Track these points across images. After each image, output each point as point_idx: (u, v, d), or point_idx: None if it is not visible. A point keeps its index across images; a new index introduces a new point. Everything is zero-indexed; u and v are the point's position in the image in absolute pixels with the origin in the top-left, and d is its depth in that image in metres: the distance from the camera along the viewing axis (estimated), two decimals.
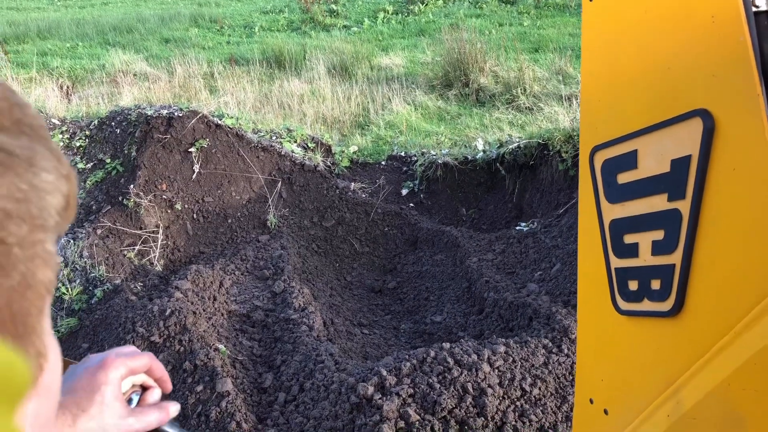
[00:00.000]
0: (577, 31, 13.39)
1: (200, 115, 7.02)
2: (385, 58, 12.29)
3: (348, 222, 6.97)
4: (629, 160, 1.38)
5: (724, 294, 1.18)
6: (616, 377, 1.57)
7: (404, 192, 7.60)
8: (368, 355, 5.17)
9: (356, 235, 6.93)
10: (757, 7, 1.02)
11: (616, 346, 1.56)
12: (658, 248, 1.34)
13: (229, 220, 6.73)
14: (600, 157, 1.47)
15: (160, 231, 6.41)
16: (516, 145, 7.08)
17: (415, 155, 7.91)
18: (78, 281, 5.65)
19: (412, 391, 3.87)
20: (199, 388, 4.28)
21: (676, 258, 1.28)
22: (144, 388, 1.18)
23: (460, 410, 3.72)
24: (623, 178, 1.41)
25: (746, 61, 0.99)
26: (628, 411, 1.50)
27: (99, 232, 6.25)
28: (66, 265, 5.75)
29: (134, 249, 6.24)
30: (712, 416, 1.23)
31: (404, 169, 7.88)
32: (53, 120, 7.71)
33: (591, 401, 1.65)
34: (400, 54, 12.50)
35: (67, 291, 5.52)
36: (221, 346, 4.60)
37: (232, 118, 7.43)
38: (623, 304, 1.48)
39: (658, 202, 1.31)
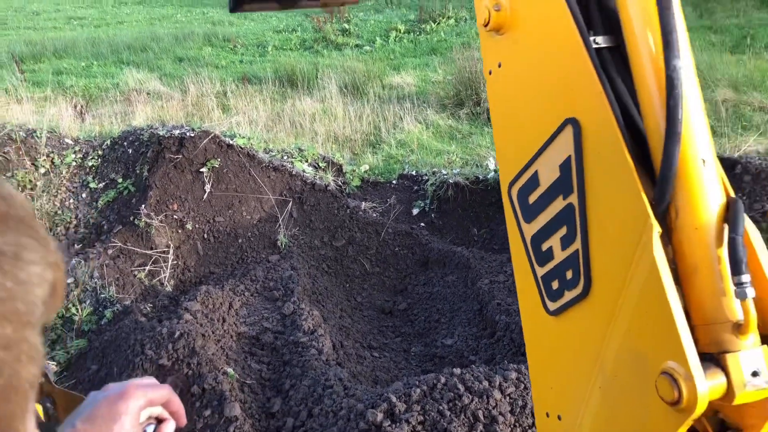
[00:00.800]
0: None
1: (212, 135, 7.04)
2: (397, 77, 12.32)
3: (358, 242, 6.94)
4: (534, 182, 1.68)
5: (613, 261, 1.44)
6: (561, 381, 1.72)
7: (415, 211, 7.57)
8: (378, 379, 5.11)
9: (367, 255, 6.89)
10: (597, 44, 1.47)
11: (556, 351, 1.73)
12: (565, 242, 1.59)
13: (240, 240, 6.72)
14: (515, 189, 1.76)
15: (171, 251, 6.41)
16: None
17: (426, 174, 7.89)
18: (88, 302, 5.64)
19: (422, 418, 3.82)
20: (207, 412, 4.24)
21: (577, 244, 1.54)
22: (159, 421, 1.19)
23: None
24: (532, 198, 1.69)
25: (593, 78, 1.42)
26: (576, 408, 1.64)
27: (110, 252, 6.25)
28: (76, 286, 5.75)
29: (145, 269, 6.23)
30: (625, 365, 1.43)
31: (415, 188, 7.85)
32: (66, 140, 7.77)
33: (547, 414, 1.77)
34: (412, 73, 12.53)
35: (77, 312, 5.51)
36: (230, 370, 4.56)
37: (243, 138, 7.45)
38: (551, 305, 1.68)
39: (558, 204, 1.59)
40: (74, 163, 7.49)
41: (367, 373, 5.15)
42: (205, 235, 6.64)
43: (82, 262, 5.94)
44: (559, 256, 1.62)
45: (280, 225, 6.87)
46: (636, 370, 1.41)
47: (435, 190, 7.61)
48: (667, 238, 1.38)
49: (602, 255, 1.49)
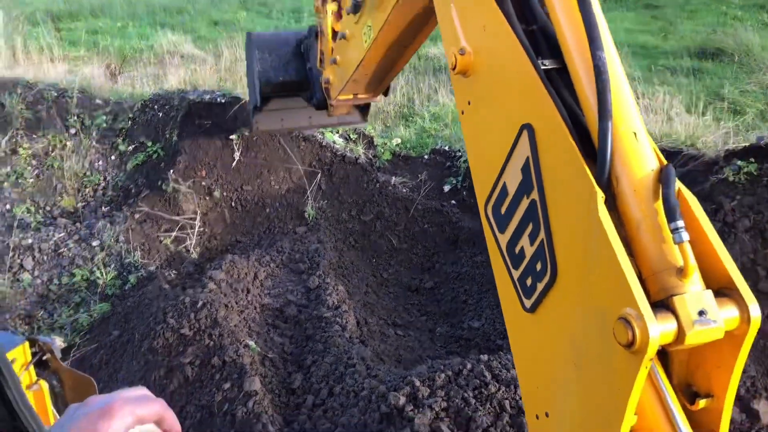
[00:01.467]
0: (634, 26, 12.89)
1: (242, 101, 6.90)
2: (434, 48, 12.02)
3: (387, 217, 6.79)
4: (503, 193, 1.89)
5: (572, 240, 1.63)
6: (545, 377, 1.82)
7: (446, 188, 7.37)
8: (402, 359, 5.00)
9: (395, 231, 6.74)
10: (545, 65, 1.73)
11: (537, 349, 1.84)
12: (532, 237, 1.77)
13: (267, 210, 6.62)
14: (489, 207, 1.97)
15: (198, 218, 6.33)
16: None
17: (459, 150, 7.67)
18: (113, 266, 5.60)
19: (445, 404, 3.69)
20: (227, 385, 4.17)
21: (542, 234, 1.72)
22: None
23: (495, 429, 3.52)
24: (504, 208, 1.89)
25: (541, 90, 1.67)
26: (561, 401, 1.74)
27: (137, 216, 6.20)
28: (102, 249, 5.71)
29: (171, 235, 6.17)
30: (591, 329, 1.58)
31: (448, 164, 7.64)
32: (97, 101, 7.70)
33: (537, 417, 1.86)
34: None
35: (102, 275, 5.48)
36: (251, 343, 4.48)
37: None
38: (527, 302, 1.82)
39: (524, 205, 1.79)
40: (104, 125, 7.42)
41: (391, 352, 5.04)
42: (233, 204, 6.55)
43: (108, 225, 5.89)
44: (529, 252, 1.79)
45: (308, 196, 6.75)
46: (600, 330, 1.54)
47: (468, 167, 7.41)
48: (613, 204, 1.59)
49: (562, 237, 1.67)
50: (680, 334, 1.43)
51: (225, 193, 6.57)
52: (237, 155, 6.72)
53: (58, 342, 1.83)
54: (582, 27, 1.65)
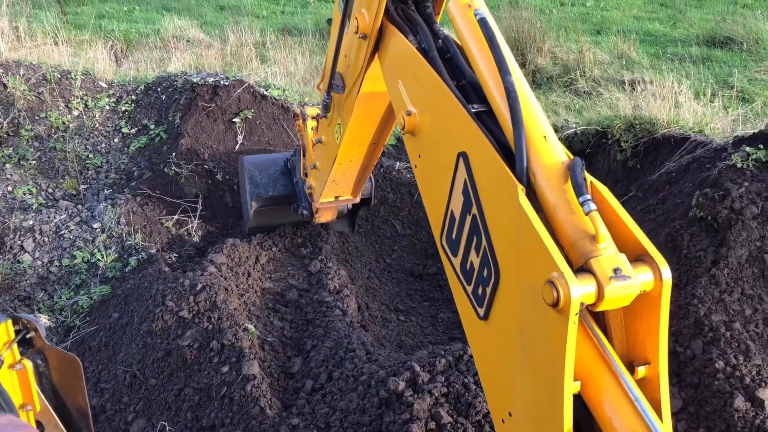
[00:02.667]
0: (642, 14, 12.74)
1: (246, 84, 6.85)
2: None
3: (390, 202, 6.73)
4: (452, 219, 2.16)
5: (506, 236, 1.85)
6: (504, 379, 1.96)
7: None
8: (403, 344, 4.95)
9: (398, 217, 6.69)
10: (475, 108, 2.14)
11: (495, 353, 2.01)
12: (477, 247, 2.01)
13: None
14: (444, 239, 2.23)
15: (200, 201, 6.29)
16: (572, 131, 6.70)
17: None
18: (113, 248, 5.57)
19: (445, 390, 3.65)
20: (225, 368, 4.14)
21: (484, 242, 1.96)
22: None
23: None
24: (454, 233, 2.15)
25: (473, 126, 2.02)
26: (520, 397, 1.88)
27: (138, 199, 6.16)
28: (103, 231, 5.68)
29: (172, 218, 6.13)
30: (527, 305, 1.78)
31: None
32: (101, 83, 7.65)
33: (503, 420, 1.99)
34: None
35: (102, 257, 5.45)
36: (251, 327, 4.44)
37: (278, 89, 7.24)
38: (481, 310, 2.02)
39: (468, 222, 2.05)
40: (107, 107, 7.38)
41: (392, 337, 5.00)
42: (235, 187, 6.50)
43: (110, 207, 5.86)
44: (477, 263, 2.02)
45: None
46: (534, 302, 1.71)
47: None
48: (533, 195, 1.84)
49: (498, 235, 1.90)
50: (600, 292, 1.61)
51: (227, 177, 6.52)
52: (240, 138, 6.66)
53: (43, 320, 1.79)
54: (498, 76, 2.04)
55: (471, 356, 3.84)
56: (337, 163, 4.28)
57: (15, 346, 1.75)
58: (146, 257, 5.44)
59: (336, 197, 4.99)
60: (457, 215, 2.14)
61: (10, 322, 1.75)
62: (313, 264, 5.45)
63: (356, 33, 2.98)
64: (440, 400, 3.60)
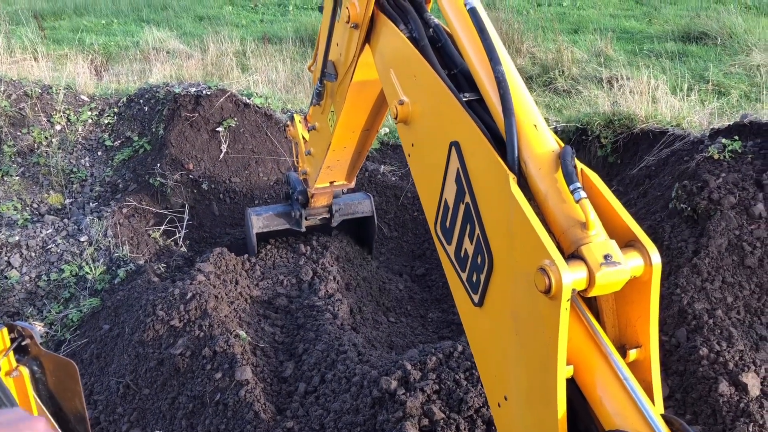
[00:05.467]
0: (618, 12, 12.91)
1: (228, 93, 6.88)
2: None
3: (377, 206, 6.78)
4: (446, 208, 2.19)
5: (498, 224, 1.88)
6: (499, 364, 2.00)
7: None
8: (394, 345, 5.00)
9: (385, 219, 6.74)
10: (467, 97, 2.15)
11: (490, 339, 2.04)
12: (471, 235, 2.03)
13: (256, 202, 6.59)
14: (438, 228, 2.26)
15: (186, 211, 6.31)
16: (553, 129, 6.80)
17: None
18: (102, 260, 5.58)
19: (437, 387, 3.70)
20: (218, 375, 4.17)
21: (477, 229, 1.98)
22: None
23: (487, 410, 3.53)
24: (448, 222, 2.17)
25: (464, 114, 2.06)
26: (515, 380, 1.92)
27: (124, 211, 6.17)
28: (90, 245, 5.68)
29: (159, 229, 6.15)
30: (520, 291, 1.81)
31: None
32: (82, 97, 7.65)
33: (499, 405, 2.03)
34: None
35: (91, 270, 5.45)
36: (242, 333, 4.47)
37: (261, 97, 7.27)
38: (476, 297, 2.04)
39: (461, 211, 2.08)
40: (90, 121, 7.37)
41: (383, 339, 5.04)
42: (221, 196, 6.53)
43: (96, 220, 5.86)
44: (471, 250, 2.04)
45: None
46: (527, 289, 1.74)
47: None
48: (525, 184, 1.87)
49: (491, 223, 1.93)
50: (591, 278, 1.64)
51: (213, 186, 6.55)
52: (224, 147, 6.69)
53: (38, 327, 1.82)
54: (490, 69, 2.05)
55: (461, 353, 3.89)
56: (331, 149, 4.31)
57: (11, 353, 1.78)
58: (135, 268, 5.45)
59: (331, 182, 5.03)
60: (450, 204, 2.15)
61: (5, 330, 1.78)
62: (303, 270, 5.47)
63: (347, 22, 2.99)
64: (432, 397, 3.64)
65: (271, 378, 4.33)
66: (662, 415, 1.73)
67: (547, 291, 1.63)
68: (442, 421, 3.49)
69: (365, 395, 3.83)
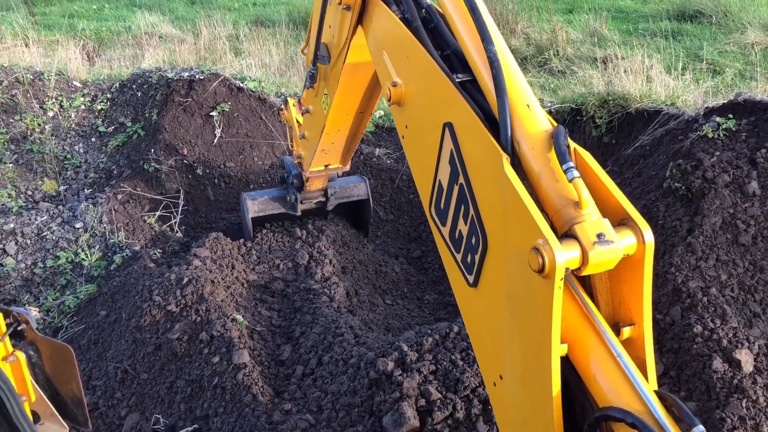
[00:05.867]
0: None
1: (222, 78, 6.84)
2: None
3: (372, 189, 6.78)
4: (440, 189, 2.20)
5: (492, 205, 1.88)
6: (495, 343, 2.02)
7: None
8: (390, 327, 5.02)
9: (380, 203, 6.74)
10: (460, 78, 2.14)
11: (485, 319, 2.05)
12: (465, 215, 2.04)
13: (251, 186, 6.59)
14: (432, 209, 2.26)
15: (181, 196, 6.30)
16: (547, 109, 6.79)
17: None
18: (97, 247, 5.57)
19: (433, 367, 3.72)
20: (216, 359, 4.18)
21: (471, 210, 1.99)
22: None
23: (484, 389, 3.56)
24: (442, 203, 2.18)
25: (457, 95, 2.04)
26: (509, 359, 1.93)
27: (119, 197, 6.15)
28: (86, 231, 5.67)
29: (155, 215, 6.14)
30: (515, 271, 1.81)
31: None
32: (75, 83, 7.60)
33: (495, 384, 2.05)
34: None
35: (87, 257, 5.45)
36: (239, 317, 4.49)
37: (254, 81, 7.24)
38: (470, 278, 2.05)
39: (455, 192, 2.08)
40: (83, 107, 7.34)
41: (380, 321, 5.06)
42: (216, 181, 6.52)
43: (91, 206, 5.85)
44: (465, 231, 2.04)
45: None
46: (521, 269, 1.74)
47: None
48: (518, 163, 1.87)
49: (485, 204, 1.93)
50: (584, 257, 1.65)
51: (207, 171, 6.53)
52: (218, 132, 6.67)
53: (34, 312, 1.82)
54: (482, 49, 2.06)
55: (457, 334, 3.92)
56: (326, 132, 4.32)
57: (7, 338, 1.78)
58: (131, 254, 5.45)
59: (326, 166, 5.03)
60: (444, 185, 2.15)
61: (0, 315, 1.78)
62: (299, 255, 5.47)
63: (339, 4, 2.99)
64: (429, 378, 3.67)
65: (268, 361, 4.35)
66: (656, 392, 1.74)
67: (541, 270, 1.63)
68: (438, 401, 3.51)
69: (362, 377, 3.85)
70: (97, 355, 4.70)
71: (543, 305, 1.69)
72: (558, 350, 1.73)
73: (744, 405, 3.30)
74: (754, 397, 3.32)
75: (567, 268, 1.65)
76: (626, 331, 1.85)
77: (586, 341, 1.80)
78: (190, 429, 3.94)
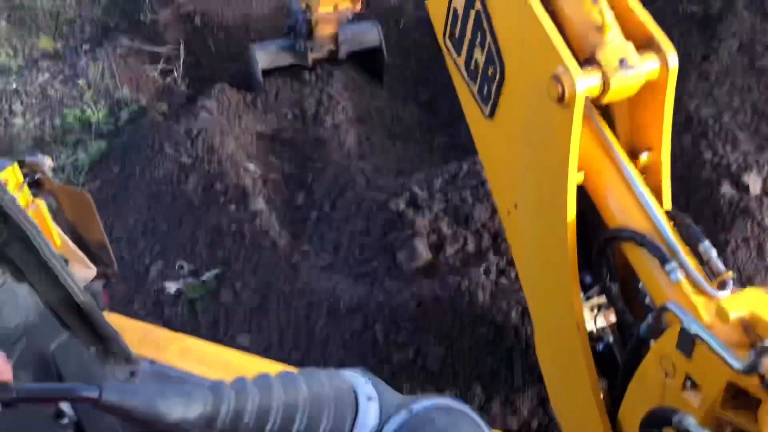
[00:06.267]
0: None
1: None
2: None
3: None
4: (455, 18, 2.12)
5: (510, 29, 1.82)
6: (509, 173, 2.01)
7: None
8: (402, 170, 5.06)
9: (387, 46, 6.54)
10: None
11: (501, 151, 2.05)
12: (482, 43, 1.96)
13: (252, 34, 6.38)
14: (447, 36, 2.20)
15: (181, 48, 6.13)
16: None
17: None
18: (103, 103, 5.53)
19: (444, 205, 3.80)
20: (232, 207, 4.28)
21: (489, 38, 1.90)
22: None
23: (493, 223, 3.65)
24: (457, 31, 2.11)
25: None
26: (522, 189, 1.95)
27: (119, 51, 6.01)
28: (89, 87, 5.61)
29: (157, 67, 6.02)
30: (534, 103, 1.78)
31: None
32: None
33: (509, 213, 2.08)
34: None
35: (94, 113, 5.43)
36: (251, 166, 4.53)
37: None
38: (486, 109, 2.02)
39: (471, 18, 1.99)
40: None
41: (391, 165, 5.09)
42: (215, 30, 6.31)
43: (92, 62, 5.74)
44: (481, 60, 1.98)
45: None
46: (539, 98, 1.69)
47: None
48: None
49: (503, 30, 1.85)
50: (605, 83, 1.62)
51: (206, 20, 6.31)
52: None
53: (48, 161, 1.85)
54: None
55: (467, 172, 3.96)
56: None
57: (26, 188, 1.83)
58: (137, 109, 5.42)
59: (335, 7, 4.80)
60: (460, 11, 2.07)
61: (16, 165, 1.81)
62: (306, 102, 5.40)
63: None
64: (440, 215, 3.76)
65: (283, 207, 4.45)
66: (666, 212, 1.77)
67: (560, 99, 1.60)
68: (450, 236, 3.62)
69: (375, 217, 3.95)
70: (116, 210, 4.82)
71: (561, 134, 1.68)
72: (575, 177, 1.75)
73: (749, 227, 3.37)
74: (759, 218, 3.39)
75: (587, 98, 1.63)
76: (644, 158, 1.85)
77: (602, 168, 1.81)
78: (213, 272, 4.11)
